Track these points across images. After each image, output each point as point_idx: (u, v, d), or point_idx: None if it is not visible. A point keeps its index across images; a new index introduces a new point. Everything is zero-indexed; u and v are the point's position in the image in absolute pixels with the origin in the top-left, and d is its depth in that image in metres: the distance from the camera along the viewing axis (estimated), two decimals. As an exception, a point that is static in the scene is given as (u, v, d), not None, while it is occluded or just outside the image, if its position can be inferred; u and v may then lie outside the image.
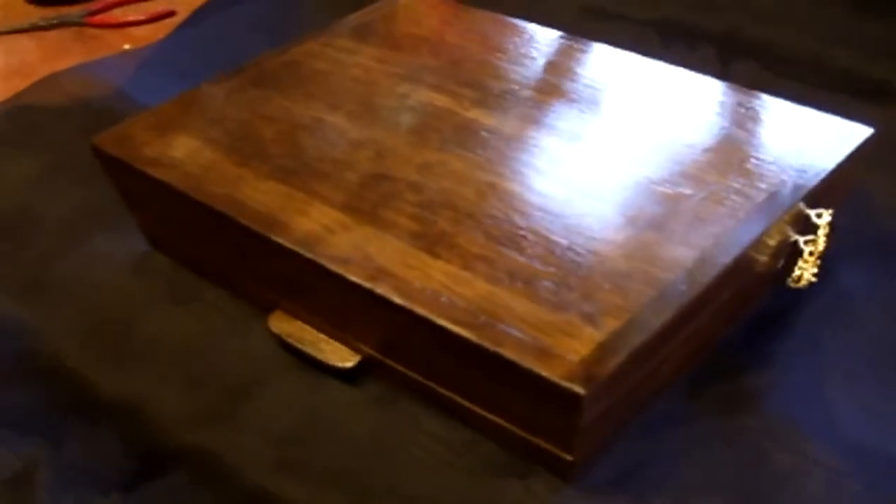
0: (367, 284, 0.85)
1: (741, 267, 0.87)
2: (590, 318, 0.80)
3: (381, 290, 0.84)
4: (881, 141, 1.00)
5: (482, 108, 1.05)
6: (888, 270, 1.04)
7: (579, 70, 1.11)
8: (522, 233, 0.88)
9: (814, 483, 0.84)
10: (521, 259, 0.86)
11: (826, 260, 0.97)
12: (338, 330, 0.94)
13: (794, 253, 0.95)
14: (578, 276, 0.84)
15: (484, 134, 1.01)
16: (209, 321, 1.03)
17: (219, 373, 0.97)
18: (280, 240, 0.90)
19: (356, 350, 0.94)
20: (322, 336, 0.95)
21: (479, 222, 0.90)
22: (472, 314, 0.81)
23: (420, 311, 0.82)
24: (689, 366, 0.92)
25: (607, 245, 0.87)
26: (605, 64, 1.12)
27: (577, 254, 0.86)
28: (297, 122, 1.05)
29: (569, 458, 0.82)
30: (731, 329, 0.96)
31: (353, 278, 0.86)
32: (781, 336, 0.97)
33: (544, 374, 0.76)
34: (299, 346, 0.95)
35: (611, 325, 0.79)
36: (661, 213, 0.90)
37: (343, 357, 0.94)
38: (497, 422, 0.86)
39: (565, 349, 0.78)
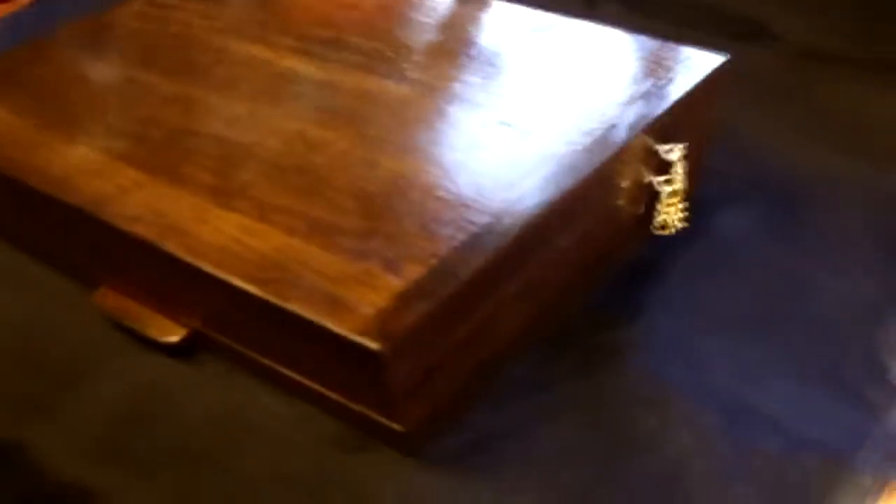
0: (156, 241, 0.73)
1: (577, 209, 0.76)
2: (391, 267, 0.69)
3: (168, 246, 0.72)
4: (754, 80, 0.89)
5: (301, 57, 0.93)
6: (764, 214, 0.93)
7: (415, 14, 0.99)
8: (329, 181, 0.77)
9: (680, 445, 0.73)
10: (325, 209, 0.74)
11: (698, 205, 0.87)
12: (164, 303, 0.81)
13: (655, 196, 0.84)
14: (385, 223, 0.72)
15: (298, 83, 0.89)
16: (35, 302, 0.90)
17: (45, 358, 0.84)
18: (69, 201, 0.78)
19: (184, 324, 0.81)
20: (148, 311, 0.82)
21: (282, 173, 0.78)
22: (261, 268, 0.69)
23: (204, 266, 0.71)
24: (539, 324, 0.80)
25: (418, 191, 0.75)
26: (446, 6, 1.00)
27: (386, 200, 0.74)
28: (107, 82, 0.93)
29: (398, 427, 0.70)
30: (595, 285, 0.85)
31: (142, 236, 0.74)
32: (650, 287, 0.86)
33: (334, 328, 0.65)
34: (124, 321, 0.83)
35: (414, 272, 0.68)
36: (480, 156, 0.78)
37: (167, 331, 0.81)
38: (322, 392, 0.74)
39: (360, 301, 0.66)
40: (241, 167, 0.79)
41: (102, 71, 0.94)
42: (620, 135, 0.78)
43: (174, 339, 0.80)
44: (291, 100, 0.87)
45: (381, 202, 0.74)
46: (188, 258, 0.71)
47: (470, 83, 0.87)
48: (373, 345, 0.63)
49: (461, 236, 0.70)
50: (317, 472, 0.72)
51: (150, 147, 0.82)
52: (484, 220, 0.71)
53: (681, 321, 0.82)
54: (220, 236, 0.72)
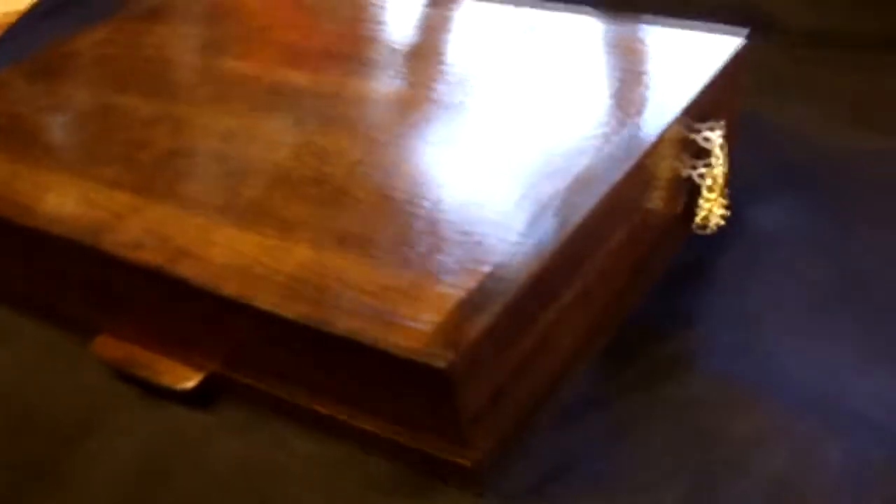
0: (164, 268, 0.64)
1: (624, 205, 0.68)
2: (441, 277, 0.60)
3: (180, 271, 0.63)
4: (761, 67, 0.82)
5: (291, 68, 0.84)
6: (800, 203, 0.85)
7: (403, 22, 0.90)
8: (349, 191, 0.68)
9: (779, 459, 0.64)
10: (352, 220, 0.65)
11: (733, 201, 0.78)
12: (174, 345, 0.71)
13: (694, 191, 0.76)
14: (421, 230, 0.64)
15: (294, 94, 0.80)
16: (28, 359, 0.78)
17: (45, 419, 0.73)
18: (58, 233, 0.68)
19: (199, 367, 0.70)
20: (156, 356, 0.72)
21: (294, 186, 0.69)
22: (292, 289, 0.60)
23: (225, 291, 0.61)
24: (595, 335, 0.72)
25: (452, 194, 0.67)
26: (438, 8, 0.92)
27: (418, 206, 0.66)
28: (80, 109, 0.83)
29: (466, 462, 0.61)
30: (642, 292, 0.77)
31: (148, 263, 0.64)
32: (700, 291, 0.78)
33: (391, 349, 0.56)
34: (131, 370, 0.72)
35: (467, 281, 0.59)
36: (513, 156, 0.70)
37: (182, 377, 0.70)
38: (369, 430, 0.64)
39: (415, 316, 0.57)
40: (248, 183, 0.70)
41: (73, 99, 0.84)
42: (659, 122, 0.71)
43: (190, 384, 0.69)
44: (289, 111, 0.78)
45: (411, 209, 0.65)
46: (204, 284, 0.62)
47: (487, 85, 0.79)
48: (439, 363, 0.54)
49: (512, 237, 0.62)
50: None
51: (141, 170, 0.73)
52: (524, 217, 0.63)
53: (737, 321, 0.74)
54: (239, 257, 0.63)
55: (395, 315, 0.57)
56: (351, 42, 0.87)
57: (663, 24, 0.83)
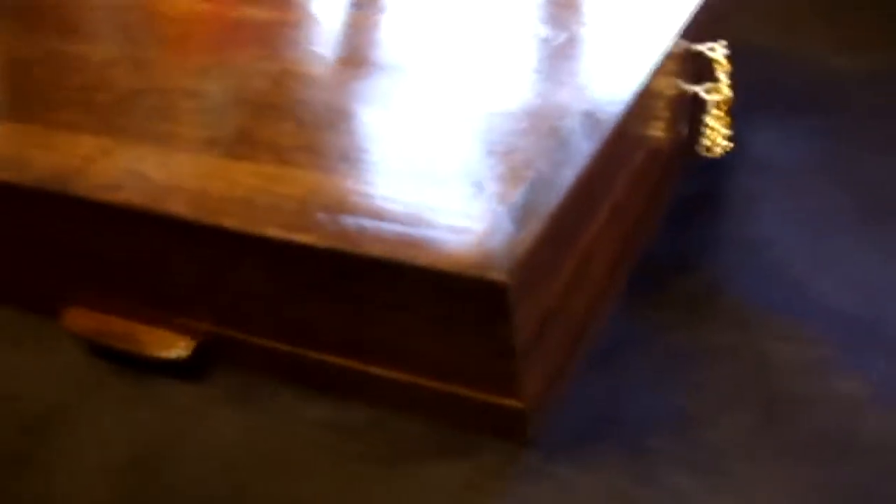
0: (152, 208, 0.54)
1: (643, 120, 0.62)
2: (479, 187, 0.52)
3: (172, 208, 0.54)
4: None
5: (253, 5, 0.75)
6: (800, 127, 0.79)
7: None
8: (348, 113, 0.60)
9: (846, 388, 0.58)
10: (360, 137, 0.57)
11: (733, 128, 0.72)
12: (157, 309, 0.61)
13: (698, 112, 0.69)
14: (449, 143, 0.56)
15: (262, 27, 0.72)
16: None
17: (16, 405, 0.63)
18: (21, 181, 0.59)
19: (188, 333, 0.61)
20: (138, 325, 0.62)
21: (285, 111, 0.61)
22: (306, 215, 0.52)
23: (231, 224, 0.52)
24: (622, 266, 0.64)
25: (475, 106, 0.59)
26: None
27: (436, 121, 0.58)
28: (23, 57, 0.73)
29: (516, 403, 0.53)
30: (656, 222, 0.70)
31: (131, 204, 0.55)
32: (711, 220, 0.72)
33: (437, 267, 0.48)
34: (110, 343, 0.62)
35: (507, 190, 0.52)
36: (531, 66, 0.63)
37: (171, 345, 0.61)
38: (401, 380, 0.56)
39: (455, 231, 0.49)
40: (231, 114, 0.61)
41: (11, 47, 0.75)
42: (664, 37, 0.64)
43: (182, 353, 0.60)
44: (260, 44, 0.69)
45: (429, 125, 0.58)
46: (200, 219, 0.53)
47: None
48: (496, 274, 0.47)
49: (547, 145, 0.54)
50: (406, 490, 0.54)
51: (103, 112, 0.64)
52: (566, 124, 0.56)
53: (759, 251, 0.68)
54: (238, 188, 0.54)
55: (433, 232, 0.49)
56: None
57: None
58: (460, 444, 0.55)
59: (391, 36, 0.69)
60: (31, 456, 0.59)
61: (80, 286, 0.63)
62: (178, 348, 0.60)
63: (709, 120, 0.70)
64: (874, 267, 0.66)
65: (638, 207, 0.65)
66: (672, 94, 0.65)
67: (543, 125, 0.56)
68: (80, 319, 0.63)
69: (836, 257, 0.67)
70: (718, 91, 0.70)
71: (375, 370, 0.56)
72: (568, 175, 0.52)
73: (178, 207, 0.54)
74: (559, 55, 0.64)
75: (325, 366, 0.57)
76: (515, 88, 0.61)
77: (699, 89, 0.68)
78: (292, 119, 0.60)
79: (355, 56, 0.67)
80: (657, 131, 0.65)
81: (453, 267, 0.48)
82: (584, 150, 0.54)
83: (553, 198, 0.51)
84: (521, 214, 0.50)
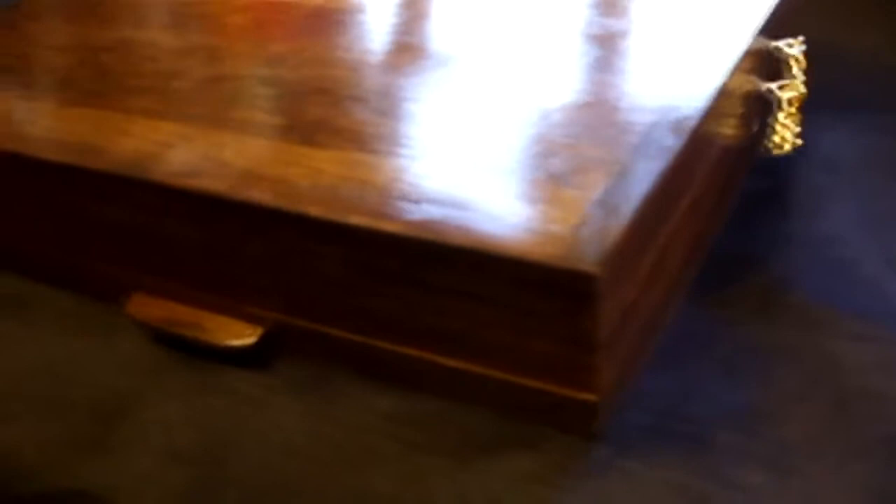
0: (233, 195, 0.54)
1: (720, 116, 0.61)
2: (565, 179, 0.51)
3: (254, 196, 0.53)
4: None
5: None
6: (869, 127, 0.78)
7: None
8: (433, 103, 0.59)
9: None
10: (442, 126, 0.57)
11: (804, 119, 0.71)
12: (224, 297, 0.61)
13: (768, 108, 0.68)
14: (534, 134, 0.55)
15: (338, 18, 0.71)
16: (51, 333, 0.66)
17: (84, 393, 0.61)
18: (99, 167, 0.58)
19: (255, 321, 0.60)
20: (204, 312, 0.61)
21: (362, 100, 0.61)
22: (390, 202, 0.51)
23: (317, 212, 0.52)
24: (693, 260, 0.63)
25: (556, 99, 0.58)
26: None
27: (522, 112, 0.57)
28: (97, 46, 0.73)
29: (591, 396, 0.52)
30: (725, 217, 0.69)
31: (212, 191, 0.55)
32: (778, 216, 0.70)
33: (529, 258, 0.47)
34: (175, 330, 0.61)
35: (594, 182, 0.51)
36: (610, 57, 0.62)
37: (238, 333, 0.60)
38: (472, 371, 0.54)
39: (546, 221, 0.49)
40: (310, 102, 0.61)
41: (86, 37, 0.75)
42: (743, 34, 0.63)
43: (249, 340, 0.59)
44: (340, 32, 0.69)
45: (514, 116, 0.57)
46: (286, 206, 0.52)
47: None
48: (588, 267, 0.46)
49: (631, 139, 0.54)
50: (474, 482, 0.53)
51: (181, 99, 0.64)
52: (646, 119, 0.55)
53: (828, 248, 0.67)
54: (322, 176, 0.54)
55: (523, 222, 0.49)
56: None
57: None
58: (528, 437, 0.54)
59: (463, 26, 0.69)
60: (99, 443, 0.58)
61: (146, 273, 0.63)
62: (244, 336, 0.59)
63: (781, 117, 0.69)
64: None
65: (711, 203, 0.64)
66: (747, 90, 0.64)
67: (624, 120, 0.56)
68: (145, 307, 0.62)
69: None
70: (793, 88, 0.68)
71: (444, 360, 0.55)
72: (653, 169, 0.51)
73: (261, 195, 0.53)
74: (635, 50, 0.63)
75: (393, 356, 0.56)
76: (592, 83, 0.60)
77: (773, 86, 0.67)
78: (369, 108, 0.59)
79: (428, 46, 0.67)
80: (731, 128, 0.64)
81: (541, 257, 0.47)
82: (668, 145, 0.53)
83: (639, 191, 0.50)
84: (608, 206, 0.49)
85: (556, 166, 0.52)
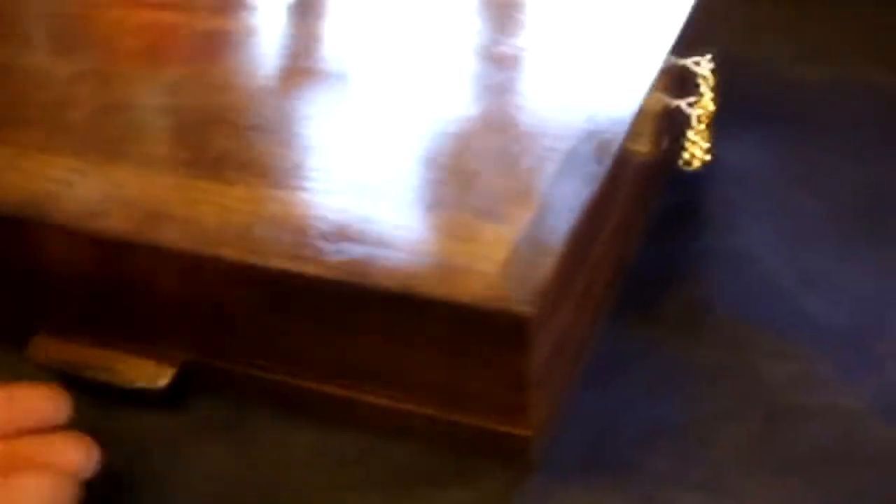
0: (139, 237, 0.51)
1: (637, 136, 0.59)
2: (488, 214, 0.50)
3: (163, 238, 0.50)
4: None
5: (222, 16, 0.72)
6: (772, 138, 0.78)
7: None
8: (338, 130, 0.57)
9: (834, 386, 0.58)
10: (354, 161, 0.54)
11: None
12: (133, 339, 0.57)
13: (677, 125, 0.67)
14: (450, 167, 0.53)
15: (234, 40, 0.68)
16: None
17: None
18: (-10, 209, 0.54)
19: (167, 360, 0.56)
20: (111, 353, 0.57)
21: (265, 130, 0.58)
22: (308, 241, 0.49)
23: (231, 255, 0.49)
24: (614, 282, 0.62)
25: (470, 127, 0.56)
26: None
27: (435, 139, 0.56)
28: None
29: (526, 431, 0.50)
30: (641, 235, 0.67)
31: (118, 233, 0.51)
32: (692, 233, 0.69)
33: (457, 300, 0.45)
34: (82, 374, 0.57)
35: (519, 215, 0.49)
36: (520, 79, 0.61)
37: (151, 374, 0.56)
38: (400, 408, 0.52)
39: (471, 258, 0.47)
40: (212, 133, 0.58)
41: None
42: (657, 52, 0.63)
43: (162, 382, 0.55)
44: (237, 55, 0.66)
45: (427, 144, 0.55)
46: (197, 249, 0.50)
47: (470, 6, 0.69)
48: (520, 307, 0.44)
49: (551, 166, 0.52)
50: None
51: (76, 131, 0.60)
52: (566, 145, 0.54)
53: (743, 264, 0.67)
54: (232, 214, 0.51)
55: (448, 260, 0.47)
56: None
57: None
58: (462, 471, 0.52)
59: (363, 47, 0.66)
60: None
61: (48, 315, 0.59)
62: (157, 377, 0.56)
63: (691, 134, 0.68)
64: (860, 279, 0.65)
65: (630, 223, 0.63)
66: (659, 108, 0.63)
67: (543, 146, 0.54)
68: (47, 349, 0.58)
69: (822, 270, 0.66)
70: (703, 105, 0.68)
71: (371, 398, 0.52)
72: (578, 198, 0.50)
73: (172, 236, 0.50)
74: (548, 72, 0.61)
75: (316, 394, 0.54)
76: (504, 107, 0.59)
77: (683, 103, 0.67)
78: (274, 138, 0.57)
79: (329, 69, 0.64)
80: (646, 146, 0.63)
81: (471, 298, 0.45)
82: (592, 171, 0.51)
83: (566, 223, 0.48)
84: (536, 241, 0.47)
85: (476, 199, 0.50)
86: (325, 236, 0.49)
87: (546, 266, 0.46)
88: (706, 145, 0.69)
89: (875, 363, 0.59)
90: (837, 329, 0.61)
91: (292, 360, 0.53)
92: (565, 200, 0.49)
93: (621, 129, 0.55)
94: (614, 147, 0.53)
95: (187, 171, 0.55)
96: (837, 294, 0.64)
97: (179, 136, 0.58)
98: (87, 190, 0.54)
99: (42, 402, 0.50)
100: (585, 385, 0.57)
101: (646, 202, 0.67)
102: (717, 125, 0.70)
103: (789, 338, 0.61)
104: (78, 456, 0.48)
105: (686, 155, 0.69)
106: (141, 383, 0.56)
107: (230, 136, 0.57)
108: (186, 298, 0.53)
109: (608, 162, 0.52)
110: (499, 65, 0.63)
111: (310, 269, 0.47)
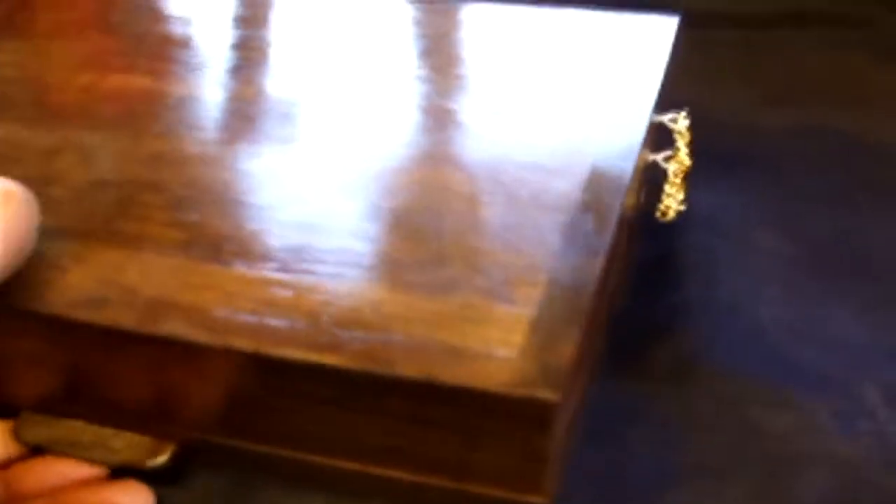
0: (145, 329, 0.50)
1: (631, 196, 0.60)
2: (497, 294, 0.49)
3: (169, 330, 0.49)
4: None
5: (193, 80, 0.70)
6: (736, 181, 0.79)
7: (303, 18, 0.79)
8: (335, 209, 0.56)
9: (830, 434, 0.59)
10: (354, 241, 0.54)
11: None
12: (131, 415, 0.55)
13: (654, 179, 0.68)
14: (451, 244, 0.53)
15: (214, 108, 0.67)
16: None
17: None
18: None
19: (166, 437, 0.55)
20: (106, 430, 0.56)
21: (265, 210, 0.57)
22: (329, 332, 0.48)
23: (244, 346, 0.48)
24: (605, 341, 0.62)
25: (463, 200, 0.56)
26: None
27: (433, 216, 0.55)
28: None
29: (540, 499, 0.50)
30: (625, 288, 0.68)
31: (122, 326, 0.50)
32: (672, 284, 0.70)
33: (476, 386, 0.45)
34: (73, 452, 0.55)
35: (530, 295, 0.49)
36: (510, 147, 0.60)
37: (149, 450, 0.55)
38: (414, 481, 0.52)
39: (488, 342, 0.47)
40: (204, 212, 0.57)
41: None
42: (641, 110, 0.63)
43: (162, 458, 0.54)
44: (217, 127, 0.65)
45: (426, 219, 0.55)
46: (210, 341, 0.49)
47: (445, 80, 0.69)
48: (543, 394, 0.44)
49: (554, 237, 0.52)
50: None
51: (60, 208, 0.58)
52: (564, 217, 0.54)
53: (727, 314, 0.67)
54: (238, 301, 0.50)
55: (464, 345, 0.47)
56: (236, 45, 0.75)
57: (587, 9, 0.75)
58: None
59: (340, 115, 0.66)
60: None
61: (33, 393, 0.57)
62: (156, 455, 0.54)
63: (667, 188, 0.69)
64: (844, 324, 0.66)
65: (619, 280, 0.63)
66: (642, 164, 0.64)
67: (542, 214, 0.54)
68: (35, 427, 0.56)
69: (807, 317, 0.66)
70: (678, 160, 0.68)
71: (384, 472, 0.52)
72: (590, 269, 0.50)
73: (179, 328, 0.49)
74: (534, 138, 0.61)
75: (327, 468, 0.53)
76: (494, 173, 0.59)
77: (660, 158, 0.67)
78: (264, 215, 0.56)
79: (309, 138, 0.64)
80: (631, 202, 0.63)
81: (493, 385, 0.45)
82: (598, 239, 0.52)
83: (582, 298, 0.48)
84: (553, 322, 0.47)
85: (484, 279, 0.50)
86: (339, 323, 0.48)
87: (566, 350, 0.46)
88: (680, 197, 0.70)
89: (868, 411, 0.60)
90: (827, 377, 0.62)
91: (302, 438, 0.52)
92: (574, 277, 0.49)
93: (618, 197, 0.55)
94: (613, 216, 0.53)
95: (183, 252, 0.54)
96: (824, 341, 0.65)
97: (171, 214, 0.57)
98: (82, 277, 0.53)
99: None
100: (585, 442, 0.57)
101: (627, 256, 0.68)
102: (692, 173, 0.72)
103: (780, 388, 0.61)
104: None
105: (662, 206, 0.70)
106: (141, 460, 0.55)
107: (221, 214, 0.56)
108: (193, 385, 0.52)
109: (609, 232, 0.52)
110: (480, 133, 0.62)
111: (329, 360, 0.47)
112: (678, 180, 0.69)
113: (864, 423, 0.59)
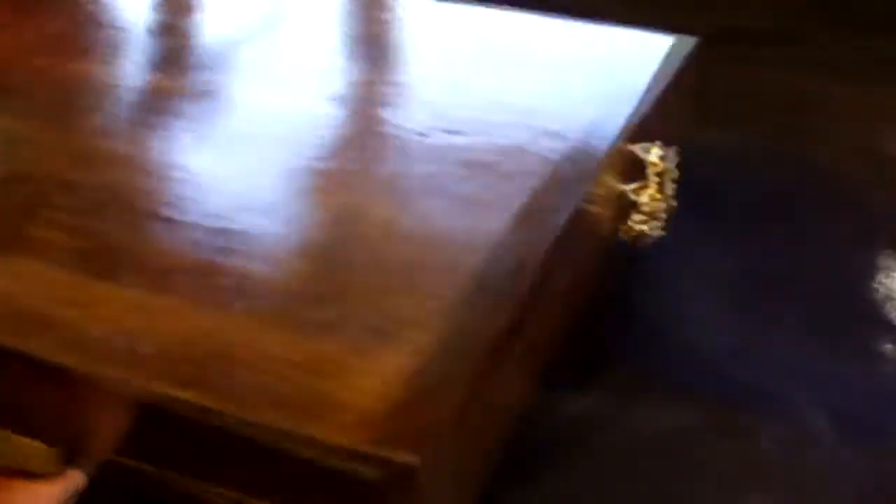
0: (16, 346, 0.46)
1: (577, 233, 0.55)
2: (383, 335, 0.45)
3: (31, 348, 0.46)
4: None
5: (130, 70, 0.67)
6: (684, 200, 0.72)
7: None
8: (241, 227, 0.53)
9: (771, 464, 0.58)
10: (249, 266, 0.50)
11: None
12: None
13: (624, 209, 0.63)
14: (348, 277, 0.49)
15: (162, 100, 0.64)
16: None
17: None
18: None
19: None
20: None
21: (172, 223, 0.53)
22: (193, 362, 0.44)
23: (110, 374, 0.44)
24: (537, 368, 0.57)
25: (375, 228, 0.52)
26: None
27: (339, 248, 0.51)
28: None
29: None
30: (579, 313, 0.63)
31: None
32: (642, 313, 0.68)
33: (325, 438, 0.41)
34: None
35: (420, 340, 0.45)
36: (445, 179, 0.56)
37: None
38: None
39: (356, 390, 0.42)
40: (110, 220, 0.53)
41: None
42: (604, 138, 0.59)
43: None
44: (163, 125, 0.62)
45: (336, 247, 0.51)
46: (77, 366, 0.45)
47: (399, 93, 0.64)
48: (402, 457, 0.40)
49: (463, 281, 0.48)
50: None
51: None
52: (476, 259, 0.49)
53: (686, 336, 0.66)
54: (117, 322, 0.46)
55: (332, 390, 0.42)
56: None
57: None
58: None
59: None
60: None
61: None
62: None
63: (636, 217, 0.65)
64: (816, 360, 0.64)
65: (570, 304, 0.58)
66: (606, 193, 0.59)
67: (458, 261, 0.50)
68: None
69: (749, 339, 0.65)
70: (647, 190, 0.64)
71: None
72: (492, 322, 0.46)
73: (41, 347, 0.45)
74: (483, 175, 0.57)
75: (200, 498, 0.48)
76: (407, 213, 0.54)
77: (629, 188, 0.63)
78: (180, 234, 0.52)
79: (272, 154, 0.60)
80: (592, 229, 0.59)
81: (350, 441, 0.40)
82: (505, 297, 0.47)
83: (476, 353, 0.44)
84: (441, 375, 0.43)
85: (377, 317, 0.46)
86: (206, 356, 0.44)
87: (443, 409, 0.41)
88: (648, 228, 0.66)
89: (814, 437, 0.59)
90: (777, 400, 0.61)
91: (169, 465, 0.48)
92: (476, 326, 0.45)
93: (544, 244, 0.50)
94: (537, 260, 0.49)
95: (77, 264, 0.50)
96: (770, 363, 0.63)
97: (75, 221, 0.53)
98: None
99: None
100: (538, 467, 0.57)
101: (591, 284, 0.63)
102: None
103: (729, 410, 0.61)
104: None
105: (631, 236, 0.65)
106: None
107: (127, 226, 0.53)
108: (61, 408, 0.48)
109: (524, 285, 0.48)
110: (413, 155, 0.58)
111: (182, 394, 0.43)
112: (647, 209, 0.65)
113: (808, 448, 0.58)
